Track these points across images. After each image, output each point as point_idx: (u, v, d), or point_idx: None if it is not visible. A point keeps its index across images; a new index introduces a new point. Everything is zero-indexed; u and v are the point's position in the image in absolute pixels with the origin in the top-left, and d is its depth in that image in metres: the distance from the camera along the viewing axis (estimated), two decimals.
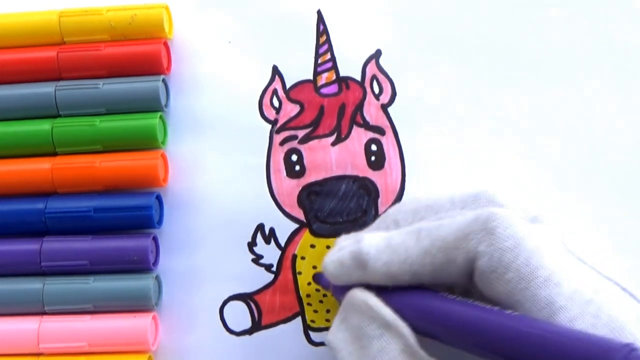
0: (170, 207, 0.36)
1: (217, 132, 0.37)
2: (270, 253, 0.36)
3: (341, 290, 0.30)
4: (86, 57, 0.36)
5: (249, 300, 0.35)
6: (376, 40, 0.37)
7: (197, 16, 0.38)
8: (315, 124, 0.36)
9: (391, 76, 0.36)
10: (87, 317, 0.35)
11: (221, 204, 0.36)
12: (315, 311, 0.35)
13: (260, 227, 0.36)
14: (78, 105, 0.36)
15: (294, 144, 0.36)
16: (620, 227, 0.35)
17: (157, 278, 0.36)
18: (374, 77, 0.36)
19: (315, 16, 0.37)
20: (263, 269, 0.36)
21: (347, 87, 0.36)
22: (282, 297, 0.35)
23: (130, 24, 0.36)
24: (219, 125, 0.37)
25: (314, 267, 0.36)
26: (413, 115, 0.36)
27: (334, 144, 0.36)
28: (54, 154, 0.36)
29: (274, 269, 0.36)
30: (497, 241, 0.25)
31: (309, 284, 0.36)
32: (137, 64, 0.36)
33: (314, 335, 0.35)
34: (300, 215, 0.36)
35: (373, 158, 0.36)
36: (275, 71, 0.37)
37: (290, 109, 0.37)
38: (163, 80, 0.36)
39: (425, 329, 0.26)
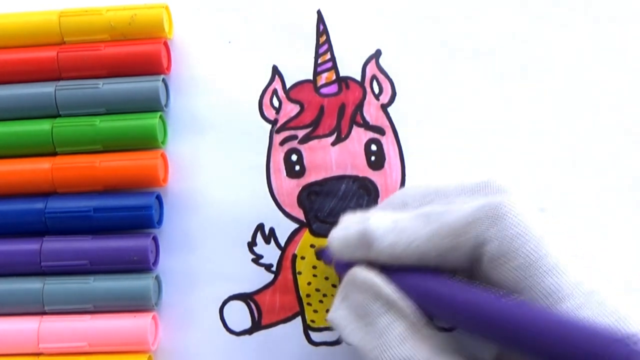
0: (170, 207, 0.36)
1: (217, 132, 0.37)
2: (270, 253, 0.36)
3: (344, 267, 0.30)
4: (86, 57, 0.36)
5: (249, 300, 0.35)
6: (376, 40, 0.37)
7: (197, 16, 0.38)
8: (315, 124, 0.36)
9: (391, 76, 0.36)
10: (87, 317, 0.35)
11: (221, 204, 0.36)
12: (315, 311, 0.35)
13: (260, 227, 0.36)
14: (78, 105, 0.36)
15: (294, 144, 0.36)
16: (620, 226, 0.35)
17: (157, 278, 0.36)
18: (374, 77, 0.36)
19: (315, 16, 0.37)
20: (263, 269, 0.36)
21: (347, 87, 0.36)
22: (282, 297, 0.35)
23: (130, 24, 0.36)
24: (219, 125, 0.37)
25: (314, 267, 0.36)
26: (413, 115, 0.36)
27: (334, 144, 0.36)
28: (54, 154, 0.36)
29: (274, 269, 0.36)
30: (508, 227, 0.25)
31: (309, 284, 0.36)
32: (137, 64, 0.36)
33: (314, 335, 0.35)
34: (300, 215, 0.36)
35: (373, 158, 0.36)
36: (275, 71, 0.37)
37: (290, 109, 0.37)
38: (163, 80, 0.36)
39: (427, 309, 0.26)
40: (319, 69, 0.37)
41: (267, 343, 0.35)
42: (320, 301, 0.35)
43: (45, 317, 0.35)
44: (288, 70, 0.37)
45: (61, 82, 0.36)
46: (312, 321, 0.35)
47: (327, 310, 0.35)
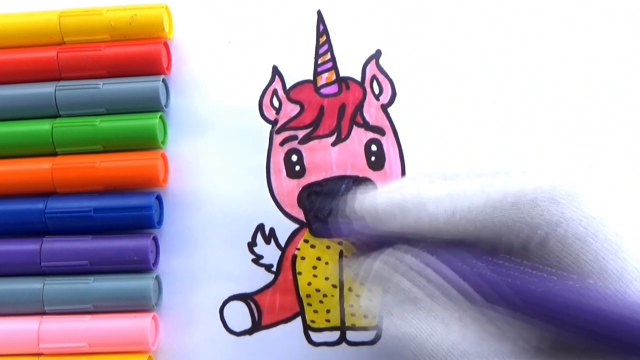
0: (170, 207, 0.36)
1: (217, 132, 0.37)
2: (270, 253, 0.36)
3: (370, 242, 0.27)
4: (86, 57, 0.36)
5: (249, 300, 0.35)
6: (376, 40, 0.37)
7: (197, 16, 0.38)
8: (315, 124, 0.36)
9: (391, 76, 0.36)
10: (87, 317, 0.35)
11: (221, 204, 0.36)
12: (315, 311, 0.35)
13: (260, 227, 0.36)
14: (78, 105, 0.36)
15: (294, 144, 0.36)
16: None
17: (157, 278, 0.36)
18: (374, 77, 0.36)
19: (315, 16, 0.37)
20: (263, 269, 0.36)
21: (347, 87, 0.36)
22: (282, 297, 0.35)
23: (130, 24, 0.36)
24: (219, 125, 0.37)
25: (314, 267, 0.36)
26: (413, 115, 0.36)
27: (334, 144, 0.36)
28: (54, 154, 0.36)
29: (274, 269, 0.36)
30: (586, 209, 0.24)
31: (309, 284, 0.36)
32: (137, 64, 0.36)
33: (314, 335, 0.35)
34: (300, 215, 0.36)
35: (373, 158, 0.36)
36: (275, 71, 0.37)
37: (290, 109, 0.37)
38: (163, 80, 0.36)
39: (481, 292, 0.24)
40: (319, 69, 0.37)
41: (267, 343, 0.35)
42: (320, 301, 0.35)
43: (45, 317, 0.35)
44: (288, 71, 0.37)
45: (61, 82, 0.36)
46: (312, 321, 0.35)
47: (328, 311, 0.35)
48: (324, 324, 0.35)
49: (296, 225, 0.36)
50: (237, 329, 0.35)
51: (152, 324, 0.35)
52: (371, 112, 0.36)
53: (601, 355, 0.22)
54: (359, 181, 0.36)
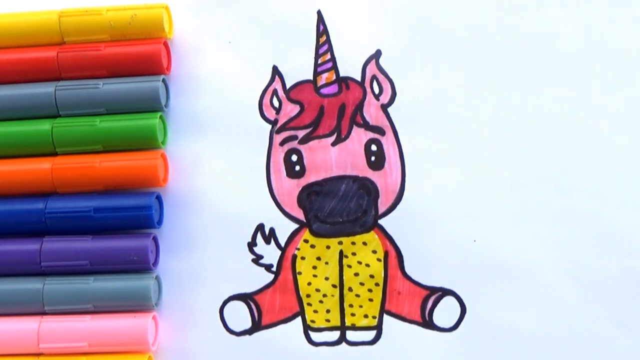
0: (170, 207, 0.36)
1: (217, 132, 0.37)
2: (270, 253, 0.36)
3: None
4: (86, 57, 0.36)
5: (249, 300, 0.35)
6: (376, 40, 0.37)
7: (197, 16, 0.38)
8: (315, 124, 0.36)
9: (391, 76, 0.36)
10: (87, 317, 0.35)
11: (221, 204, 0.36)
12: (315, 311, 0.35)
13: (260, 227, 0.36)
14: (78, 105, 0.36)
15: (294, 144, 0.36)
16: (621, 226, 0.35)
17: (157, 278, 0.36)
18: (374, 77, 0.36)
19: (315, 16, 0.37)
20: (263, 269, 0.36)
21: (347, 87, 0.36)
22: (282, 297, 0.35)
23: (130, 24, 0.36)
24: (219, 125, 0.37)
25: (314, 267, 0.36)
26: (413, 115, 0.36)
27: (334, 144, 0.36)
28: (54, 154, 0.36)
29: (274, 269, 0.36)
30: None
31: (309, 284, 0.36)
32: (137, 64, 0.36)
33: (314, 335, 0.35)
34: (300, 215, 0.36)
35: (373, 158, 0.36)
36: (275, 71, 0.37)
37: (290, 109, 0.37)
38: (163, 80, 0.36)
39: None
40: (319, 69, 0.37)
41: (267, 343, 0.35)
42: (320, 301, 0.35)
43: (45, 317, 0.35)
44: (288, 71, 0.37)
45: (61, 82, 0.36)
46: (312, 321, 0.35)
47: (328, 311, 0.35)
48: (324, 324, 0.35)
49: (296, 225, 0.36)
50: (237, 329, 0.35)
51: (152, 324, 0.35)
52: (371, 112, 0.36)
53: None
54: (359, 181, 0.36)
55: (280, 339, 0.35)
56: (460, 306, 0.35)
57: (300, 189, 0.36)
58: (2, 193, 0.36)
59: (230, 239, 0.36)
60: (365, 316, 0.35)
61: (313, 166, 0.36)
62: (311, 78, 0.37)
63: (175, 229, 0.36)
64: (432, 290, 0.35)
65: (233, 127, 0.37)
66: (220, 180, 0.36)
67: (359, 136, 0.36)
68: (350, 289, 0.35)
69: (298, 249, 0.36)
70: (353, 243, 0.36)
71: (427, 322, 0.35)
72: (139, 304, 0.35)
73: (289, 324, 0.35)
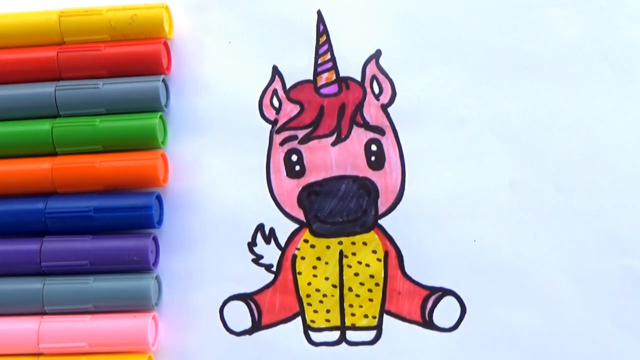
0: (170, 207, 0.36)
1: (217, 132, 0.37)
2: (270, 253, 0.36)
3: None
4: (86, 57, 0.36)
5: (249, 300, 0.35)
6: (376, 40, 0.37)
7: (197, 16, 0.38)
8: (315, 124, 0.36)
9: (391, 76, 0.36)
10: (87, 317, 0.35)
11: (221, 204, 0.36)
12: (315, 311, 0.35)
13: (260, 227, 0.36)
14: (78, 105, 0.36)
15: (294, 144, 0.36)
16: (621, 226, 0.35)
17: (157, 278, 0.36)
18: (374, 77, 0.36)
19: (315, 16, 0.37)
20: (263, 269, 0.36)
21: (347, 87, 0.36)
22: (282, 297, 0.35)
23: (130, 24, 0.36)
24: (219, 125, 0.37)
25: (314, 267, 0.36)
26: (413, 115, 0.36)
27: (334, 144, 0.36)
28: (54, 154, 0.36)
29: (274, 269, 0.36)
30: None
31: (309, 284, 0.36)
32: (137, 64, 0.36)
33: (314, 335, 0.35)
34: (300, 215, 0.36)
35: (373, 158, 0.36)
36: (275, 71, 0.37)
37: (290, 109, 0.37)
38: (163, 80, 0.36)
39: None
40: (319, 69, 0.37)
41: (267, 343, 0.35)
42: (320, 301, 0.35)
43: (45, 317, 0.35)
44: (288, 70, 0.37)
45: (61, 82, 0.36)
46: (312, 321, 0.35)
47: (328, 311, 0.35)
48: (324, 324, 0.35)
49: (296, 225, 0.36)
50: (237, 329, 0.35)
51: (152, 324, 0.35)
52: (371, 112, 0.36)
53: None
54: (359, 181, 0.36)
55: (280, 339, 0.35)
56: (460, 306, 0.35)
57: (300, 189, 0.36)
58: (2, 193, 0.36)
59: (230, 239, 0.36)
60: (365, 316, 0.35)
61: (313, 166, 0.36)
62: (311, 78, 0.37)
63: (175, 229, 0.36)
64: (432, 290, 0.35)
65: (233, 127, 0.37)
66: (220, 180, 0.36)
67: (359, 136, 0.36)
68: (350, 289, 0.35)
69: (298, 249, 0.36)
70: (353, 243, 0.36)
71: (427, 322, 0.35)
72: (139, 304, 0.35)
73: (289, 324, 0.35)
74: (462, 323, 0.35)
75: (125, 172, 0.35)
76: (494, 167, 0.36)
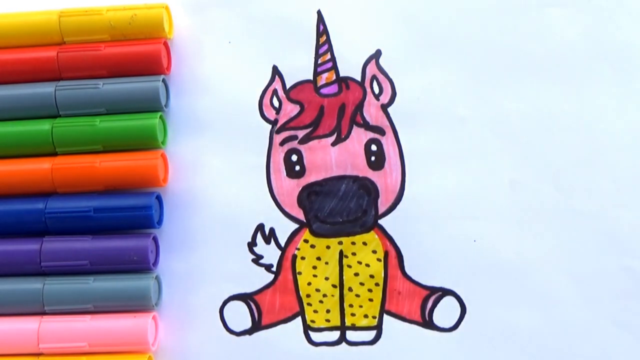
0: (170, 207, 0.36)
1: (217, 132, 0.37)
2: (270, 253, 0.36)
3: None
4: (86, 57, 0.36)
5: (249, 300, 0.35)
6: (376, 40, 0.37)
7: (197, 16, 0.38)
8: (315, 124, 0.36)
9: (391, 76, 0.36)
10: (87, 317, 0.35)
11: (221, 204, 0.36)
12: (315, 311, 0.35)
13: (260, 227, 0.36)
14: (78, 105, 0.36)
15: (294, 144, 0.36)
16: (621, 226, 0.35)
17: (157, 278, 0.36)
18: (374, 77, 0.36)
19: (315, 16, 0.37)
20: (263, 269, 0.36)
21: (347, 87, 0.36)
22: (282, 297, 0.35)
23: (130, 24, 0.36)
24: (219, 125, 0.37)
25: (314, 267, 0.36)
26: (413, 115, 0.36)
27: (334, 144, 0.36)
28: (54, 154, 0.36)
29: (274, 269, 0.36)
30: None
31: (309, 284, 0.36)
32: (137, 64, 0.36)
33: (314, 335, 0.35)
34: (300, 215, 0.36)
35: (373, 158, 0.36)
36: (275, 71, 0.37)
37: (290, 109, 0.37)
38: (163, 80, 0.36)
39: None
40: (319, 69, 0.37)
41: (267, 343, 0.35)
42: (320, 301, 0.35)
43: (45, 317, 0.35)
44: (288, 70, 0.37)
45: (61, 82, 0.36)
46: (312, 321, 0.35)
47: (328, 311, 0.35)
48: (324, 324, 0.35)
49: (296, 225, 0.36)
50: (237, 329, 0.35)
51: (152, 324, 0.35)
52: (371, 112, 0.36)
53: None
54: (359, 181, 0.36)
55: (280, 339, 0.35)
56: (460, 306, 0.35)
57: (300, 189, 0.36)
58: (2, 193, 0.36)
59: (230, 239, 0.36)
60: (365, 316, 0.35)
61: (313, 166, 0.36)
62: (311, 78, 0.37)
63: (175, 229, 0.36)
64: (432, 290, 0.35)
65: (233, 127, 0.37)
66: (220, 180, 0.36)
67: (359, 136, 0.36)
68: (350, 289, 0.35)
69: (298, 249, 0.36)
70: (353, 243, 0.36)
71: (427, 322, 0.35)
72: (139, 304, 0.35)
73: (289, 324, 0.35)
74: (462, 323, 0.35)
75: (125, 172, 0.35)
76: (494, 167, 0.36)
